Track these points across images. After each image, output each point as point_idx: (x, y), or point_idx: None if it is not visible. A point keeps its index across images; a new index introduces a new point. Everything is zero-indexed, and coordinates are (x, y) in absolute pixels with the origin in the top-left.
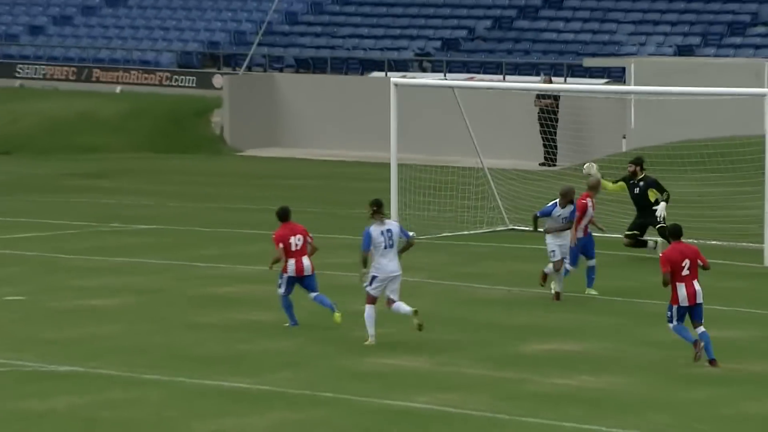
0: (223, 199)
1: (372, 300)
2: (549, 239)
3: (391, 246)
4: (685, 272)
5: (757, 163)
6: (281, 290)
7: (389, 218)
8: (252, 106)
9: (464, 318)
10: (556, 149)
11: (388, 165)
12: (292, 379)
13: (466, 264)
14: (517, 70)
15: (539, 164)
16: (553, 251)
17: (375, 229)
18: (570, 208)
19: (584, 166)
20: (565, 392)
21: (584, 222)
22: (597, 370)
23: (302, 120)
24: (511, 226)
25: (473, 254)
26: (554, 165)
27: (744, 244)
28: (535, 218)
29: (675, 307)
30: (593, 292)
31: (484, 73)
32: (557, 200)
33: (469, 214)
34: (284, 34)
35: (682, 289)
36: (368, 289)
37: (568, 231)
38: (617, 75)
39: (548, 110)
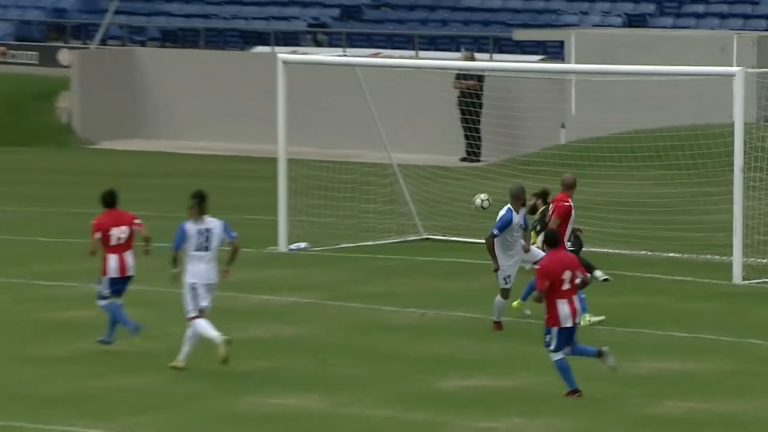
0: (70, 203)
1: (197, 315)
2: (502, 260)
3: (208, 248)
4: (566, 286)
5: (724, 158)
6: (102, 302)
7: (218, 217)
8: (107, 88)
9: (368, 347)
10: (481, 141)
11: (275, 160)
12: (155, 423)
13: (370, 281)
14: (433, 44)
15: (460, 160)
16: (508, 276)
17: (191, 227)
18: (522, 212)
19: (475, 201)
20: None
21: (569, 231)
22: (531, 411)
23: (169, 105)
24: (425, 235)
25: (379, 269)
26: (478, 160)
27: (708, 256)
28: (492, 240)
29: (555, 329)
30: (595, 318)
31: (393, 48)
32: (508, 205)
33: (374, 220)
34: (147, 0)
35: (563, 307)
36: (186, 302)
37: (519, 245)
38: (554, 51)
39: (471, 94)
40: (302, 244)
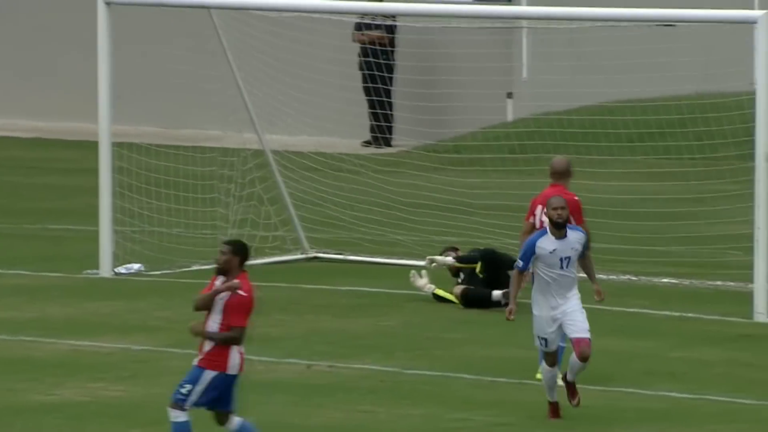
0: None
1: None
2: (537, 310)
3: None
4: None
5: (742, 140)
6: None
7: None
8: None
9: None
10: (392, 118)
11: (95, 145)
12: None
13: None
14: None
15: (362, 144)
16: (546, 338)
17: None
18: (576, 237)
19: (419, 280)
20: None
21: None
22: None
23: None
24: (312, 253)
25: None
26: (388, 145)
27: (719, 283)
28: (519, 274)
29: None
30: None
31: None
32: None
33: (238, 231)
34: None
35: (234, 354)
36: None
37: (574, 290)
38: None
39: (377, 50)
40: (135, 266)
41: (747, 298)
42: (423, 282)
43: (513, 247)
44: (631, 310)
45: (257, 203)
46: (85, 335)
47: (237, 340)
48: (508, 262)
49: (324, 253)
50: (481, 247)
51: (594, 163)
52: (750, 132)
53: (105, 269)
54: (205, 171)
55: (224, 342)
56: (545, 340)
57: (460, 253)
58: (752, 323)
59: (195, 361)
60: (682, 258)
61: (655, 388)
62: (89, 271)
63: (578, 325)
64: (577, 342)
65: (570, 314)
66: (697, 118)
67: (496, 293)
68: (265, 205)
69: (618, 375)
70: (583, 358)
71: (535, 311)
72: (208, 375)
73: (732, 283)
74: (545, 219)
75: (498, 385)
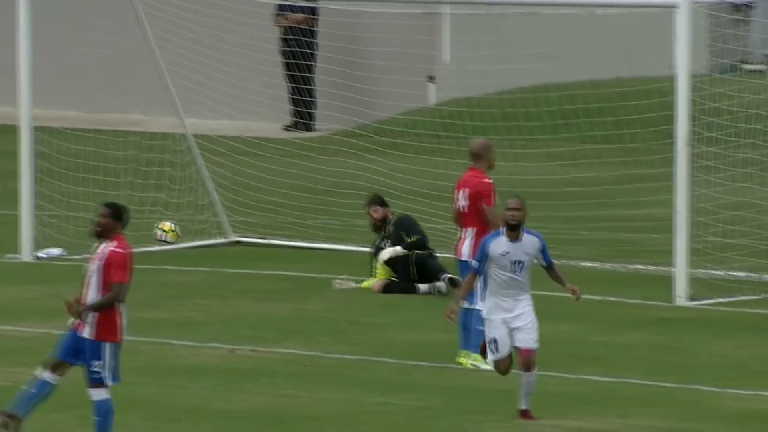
0: None
1: None
2: (488, 313)
3: None
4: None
5: (662, 126)
6: None
7: None
8: None
9: (153, 399)
10: (315, 102)
11: (14, 129)
12: None
13: (155, 305)
14: None
15: (284, 128)
16: (496, 339)
17: None
18: (531, 242)
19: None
20: None
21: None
22: None
23: None
24: (235, 237)
25: (168, 287)
26: (311, 129)
27: (639, 266)
28: (473, 276)
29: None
30: (480, 363)
31: None
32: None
33: (162, 216)
34: None
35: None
36: None
37: (525, 295)
38: None
39: (297, 33)
40: (56, 251)
41: (667, 282)
42: (348, 284)
43: (436, 232)
44: (553, 294)
45: (180, 187)
46: (6, 320)
47: (120, 297)
48: (435, 268)
49: (246, 237)
50: (413, 238)
51: (515, 148)
52: (670, 119)
53: (25, 254)
54: (127, 155)
55: (108, 304)
56: (495, 342)
57: (390, 212)
58: (672, 307)
59: (87, 335)
60: (603, 242)
61: (578, 371)
62: (9, 255)
63: (527, 336)
64: (523, 352)
65: (521, 327)
66: (617, 105)
67: (423, 287)
68: (188, 189)
69: (541, 359)
70: (526, 367)
71: (485, 314)
72: (106, 346)
73: (652, 267)
74: (464, 203)
75: (419, 369)
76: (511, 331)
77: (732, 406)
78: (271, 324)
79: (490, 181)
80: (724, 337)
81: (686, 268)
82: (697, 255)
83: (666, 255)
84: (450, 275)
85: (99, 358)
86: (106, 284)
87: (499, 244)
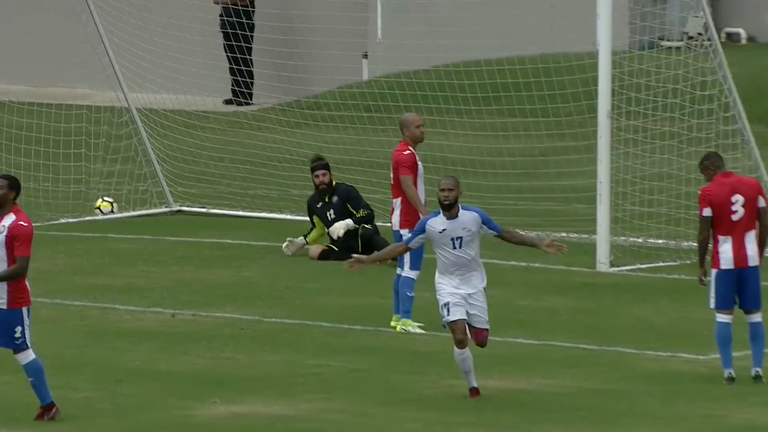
0: None
1: None
2: (439, 280)
3: None
4: None
5: (585, 101)
6: None
7: None
8: None
9: (98, 361)
10: (252, 77)
11: None
12: None
13: (100, 271)
14: None
15: (224, 102)
16: (447, 303)
17: None
18: (470, 218)
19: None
20: None
21: (422, 194)
22: None
23: None
24: (177, 207)
25: (113, 254)
26: (249, 103)
27: (563, 234)
28: (400, 246)
29: None
30: (409, 327)
31: None
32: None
33: (105, 186)
34: None
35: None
36: None
37: (475, 273)
38: None
39: (237, 11)
40: None
41: (590, 249)
42: (294, 246)
43: (371, 202)
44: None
45: (123, 159)
46: None
47: (25, 270)
48: (381, 244)
49: (188, 206)
50: (363, 212)
51: (445, 121)
52: (593, 93)
53: None
54: (73, 127)
55: (16, 276)
56: (447, 306)
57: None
58: (595, 273)
59: (2, 306)
60: (529, 211)
61: (504, 335)
62: None
63: (481, 318)
64: (476, 332)
65: (474, 306)
66: (542, 81)
67: (337, 224)
68: (130, 159)
69: None
70: (482, 345)
71: (437, 280)
72: (22, 312)
73: (576, 235)
74: (391, 174)
75: (354, 333)
76: (468, 304)
77: (651, 366)
78: (211, 290)
79: (408, 152)
80: (643, 301)
81: (608, 235)
82: (618, 223)
83: (589, 223)
84: None
85: (19, 324)
86: (12, 257)
87: (437, 222)
